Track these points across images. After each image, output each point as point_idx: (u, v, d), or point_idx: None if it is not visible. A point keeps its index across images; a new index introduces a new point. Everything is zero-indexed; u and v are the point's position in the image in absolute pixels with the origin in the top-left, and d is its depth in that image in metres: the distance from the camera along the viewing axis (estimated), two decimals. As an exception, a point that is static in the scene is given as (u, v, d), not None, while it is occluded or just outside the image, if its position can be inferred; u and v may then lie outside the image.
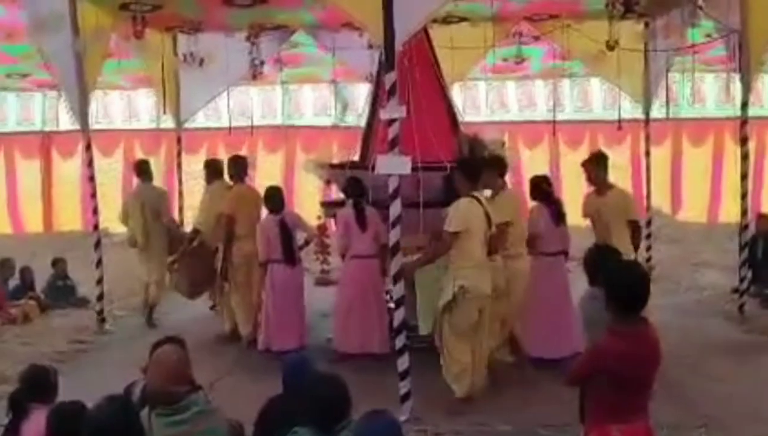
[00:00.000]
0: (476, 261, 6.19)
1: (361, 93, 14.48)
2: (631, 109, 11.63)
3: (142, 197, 9.36)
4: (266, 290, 7.84)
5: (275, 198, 7.94)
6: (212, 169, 9.06)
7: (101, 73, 9.33)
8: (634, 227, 7.17)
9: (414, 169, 6.02)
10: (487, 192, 6.91)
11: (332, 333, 7.88)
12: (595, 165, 7.40)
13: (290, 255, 7.78)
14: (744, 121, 8.85)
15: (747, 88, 8.69)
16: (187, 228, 10.03)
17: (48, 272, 10.65)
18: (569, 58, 11.38)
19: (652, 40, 9.90)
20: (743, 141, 8.94)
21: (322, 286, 9.71)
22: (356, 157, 8.51)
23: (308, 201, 13.34)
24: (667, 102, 10.14)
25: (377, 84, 8.25)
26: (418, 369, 6.14)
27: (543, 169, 16.24)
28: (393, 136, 5.93)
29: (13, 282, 10.34)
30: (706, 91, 15.70)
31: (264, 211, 8.16)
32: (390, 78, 5.89)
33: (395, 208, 5.94)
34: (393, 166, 5.91)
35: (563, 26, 9.97)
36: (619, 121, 10.48)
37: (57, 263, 10.70)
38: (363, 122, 8.82)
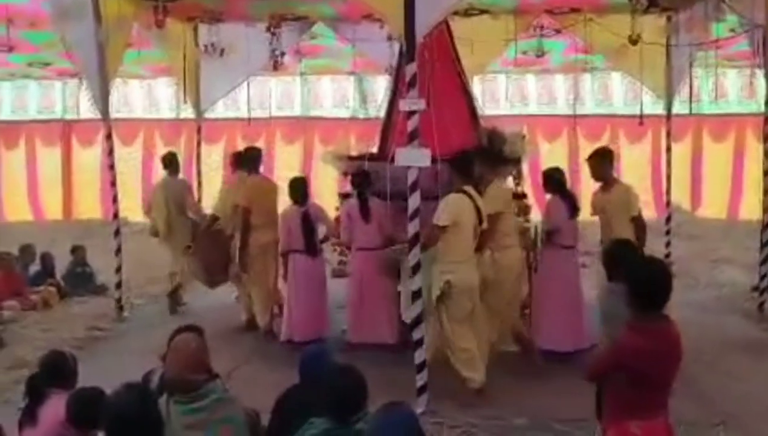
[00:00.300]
0: (464, 256, 6.23)
1: (380, 85, 14.48)
2: (651, 105, 11.55)
3: (167, 190, 9.48)
4: (288, 281, 7.89)
5: (300, 189, 7.96)
6: (237, 159, 9.11)
7: (122, 63, 9.37)
8: (638, 224, 7.01)
9: (433, 161, 6.01)
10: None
11: (346, 325, 7.91)
12: (600, 161, 7.27)
13: (311, 246, 7.79)
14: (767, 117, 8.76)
15: (771, 84, 8.58)
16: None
17: (67, 259, 10.74)
18: (590, 52, 11.30)
19: (675, 35, 9.80)
20: (766, 137, 8.85)
21: (339, 278, 9.73)
22: (375, 149, 8.50)
23: (326, 193, 13.33)
24: (690, 97, 10.02)
25: (397, 76, 8.24)
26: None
27: (562, 164, 16.24)
28: (413, 128, 5.91)
29: (34, 268, 10.43)
30: (728, 86, 15.56)
31: (282, 203, 8.19)
32: (410, 70, 5.87)
33: (414, 201, 5.92)
34: (412, 158, 5.90)
35: (585, 20, 9.89)
36: (641, 116, 10.40)
37: (76, 250, 10.78)
38: (382, 114, 8.81)
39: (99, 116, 9.09)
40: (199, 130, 11.81)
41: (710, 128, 16.05)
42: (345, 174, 9.14)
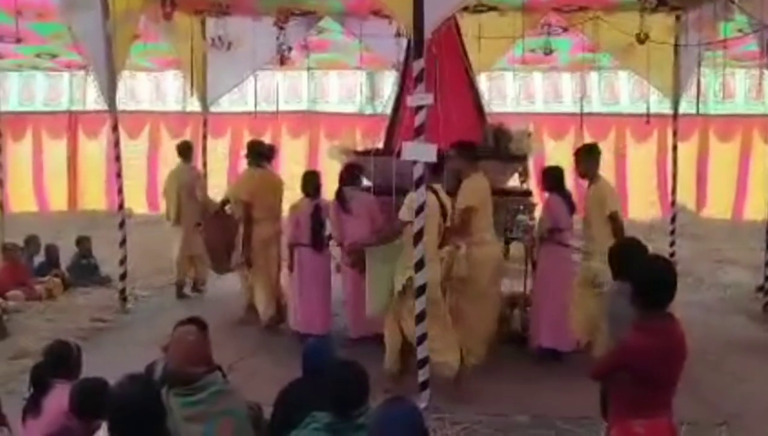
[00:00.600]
0: (427, 251, 6.18)
1: (387, 81, 14.48)
2: (658, 104, 11.51)
3: (179, 177, 9.85)
4: (293, 274, 7.91)
5: (312, 182, 7.96)
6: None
7: (129, 55, 9.39)
8: (615, 222, 6.76)
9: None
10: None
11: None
12: (584, 157, 7.10)
13: (318, 241, 7.80)
14: (774, 118, 8.74)
15: (779, 85, 8.57)
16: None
17: (72, 250, 10.76)
18: (598, 50, 11.27)
19: (684, 34, 9.76)
20: (773, 139, 8.82)
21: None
22: (381, 145, 8.50)
23: (332, 187, 13.34)
24: (698, 97, 9.98)
25: (404, 72, 8.24)
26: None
27: (568, 162, 16.22)
28: (419, 123, 5.91)
29: (39, 259, 10.46)
30: (736, 87, 15.52)
31: (290, 197, 8.21)
32: (418, 65, 5.87)
33: (420, 195, 5.93)
34: (419, 153, 5.90)
35: (593, 18, 9.87)
36: (648, 115, 10.37)
37: (81, 241, 10.80)
38: (388, 110, 8.81)
39: (105, 108, 9.10)
40: (205, 124, 11.82)
41: (717, 128, 16.02)
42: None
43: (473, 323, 6.79)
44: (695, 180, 15.85)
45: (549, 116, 15.99)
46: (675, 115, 10.80)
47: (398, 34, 9.54)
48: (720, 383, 6.67)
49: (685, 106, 10.84)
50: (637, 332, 3.60)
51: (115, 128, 9.09)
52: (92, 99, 16.05)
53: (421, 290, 5.96)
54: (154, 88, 17.28)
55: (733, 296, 10.03)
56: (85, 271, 10.51)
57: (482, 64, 10.26)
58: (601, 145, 16.40)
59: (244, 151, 8.93)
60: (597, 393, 4.40)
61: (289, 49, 10.52)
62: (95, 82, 9.15)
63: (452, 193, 6.68)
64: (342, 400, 3.55)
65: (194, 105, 12.12)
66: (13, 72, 16.65)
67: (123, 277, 9.19)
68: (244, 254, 8.40)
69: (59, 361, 4.57)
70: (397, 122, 8.24)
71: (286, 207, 8.46)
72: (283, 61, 10.65)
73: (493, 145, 7.96)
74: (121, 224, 9.11)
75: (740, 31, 9.31)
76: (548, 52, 11.34)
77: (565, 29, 10.65)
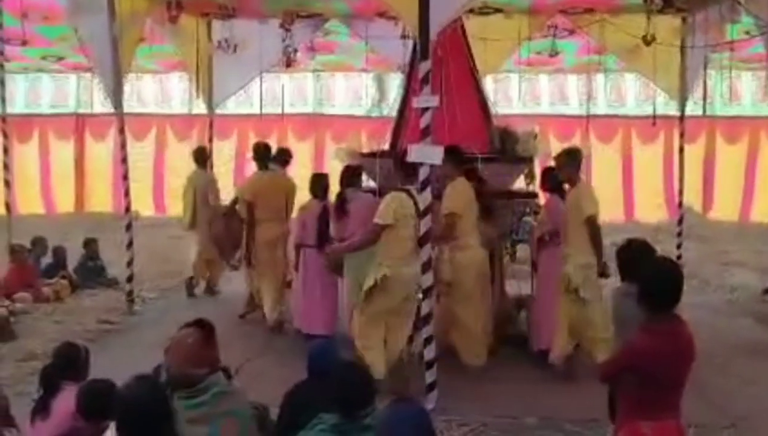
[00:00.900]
0: (403, 253, 6.27)
1: (394, 83, 14.47)
2: (664, 106, 11.50)
3: (195, 182, 10.08)
4: (299, 275, 7.93)
5: (320, 184, 8.01)
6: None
7: (135, 57, 9.41)
8: (591, 226, 6.64)
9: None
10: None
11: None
12: (565, 161, 6.98)
13: (324, 241, 7.81)
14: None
15: (786, 87, 8.55)
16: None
17: (78, 252, 10.79)
18: (604, 52, 11.26)
19: (690, 36, 9.75)
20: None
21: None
22: (387, 146, 8.50)
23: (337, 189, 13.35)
24: (704, 99, 9.97)
25: (410, 74, 8.24)
26: (443, 359, 6.15)
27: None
28: (425, 125, 5.91)
29: (46, 261, 10.48)
30: (742, 89, 15.49)
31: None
32: (424, 67, 5.87)
33: (426, 197, 5.93)
34: (425, 155, 5.90)
35: (599, 20, 9.86)
36: (654, 117, 10.35)
37: (88, 243, 10.83)
38: (394, 112, 8.81)
39: (112, 110, 9.12)
40: (211, 126, 11.84)
41: (723, 130, 15.99)
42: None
43: (466, 324, 6.86)
44: (702, 182, 15.82)
45: (555, 118, 15.98)
46: (681, 117, 10.79)
47: (404, 36, 9.55)
48: (727, 386, 6.64)
49: (692, 108, 10.83)
50: (643, 334, 3.59)
51: (121, 130, 9.14)
52: (99, 101, 16.08)
53: (427, 291, 5.97)
54: (159, 90, 17.32)
55: (740, 299, 10.00)
56: (92, 273, 10.53)
57: (488, 66, 10.25)
58: (608, 148, 16.50)
59: (249, 154, 9.00)
60: (604, 395, 4.40)
61: (295, 51, 10.56)
62: (101, 85, 9.18)
63: (439, 196, 6.72)
64: (348, 401, 3.55)
65: (200, 107, 12.17)
66: (20, 74, 16.69)
67: (130, 279, 9.21)
68: (245, 254, 8.55)
69: (68, 363, 4.58)
70: (403, 124, 8.24)
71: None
72: (288, 63, 10.68)
73: (499, 147, 7.96)
74: (128, 227, 9.13)
75: (747, 33, 9.30)
76: (554, 54, 11.35)
77: (571, 31, 10.65)
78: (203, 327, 4.55)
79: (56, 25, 10.63)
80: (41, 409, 4.42)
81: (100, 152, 17.15)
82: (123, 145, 9.19)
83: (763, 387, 6.68)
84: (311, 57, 12.24)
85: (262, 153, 8.78)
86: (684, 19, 9.92)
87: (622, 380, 3.73)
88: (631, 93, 16.17)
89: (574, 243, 6.70)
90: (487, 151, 7.68)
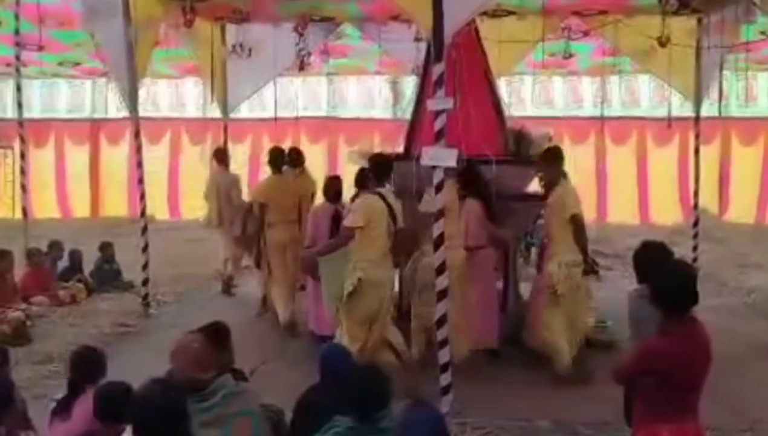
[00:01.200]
0: (376, 255, 6.34)
1: (408, 86, 14.48)
2: (679, 107, 11.44)
3: (218, 182, 10.29)
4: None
5: (332, 187, 8.05)
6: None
7: (151, 61, 9.47)
8: (575, 225, 6.67)
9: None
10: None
11: None
12: (547, 162, 6.98)
13: None
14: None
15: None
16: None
17: (94, 255, 10.85)
18: (618, 54, 11.22)
19: (705, 37, 9.70)
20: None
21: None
22: (401, 149, 8.50)
23: (351, 192, 13.37)
24: (720, 100, 9.91)
25: (424, 76, 8.23)
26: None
27: (589, 166, 16.18)
28: (439, 127, 5.90)
29: (62, 264, 10.54)
30: (758, 90, 15.39)
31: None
32: (438, 69, 5.87)
33: (439, 200, 5.93)
34: (439, 157, 5.90)
35: (613, 22, 9.82)
36: (669, 118, 10.31)
37: (104, 247, 10.90)
38: (408, 114, 8.81)
39: (127, 115, 9.18)
40: (225, 130, 11.88)
41: (739, 131, 15.89)
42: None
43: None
44: (717, 184, 15.72)
45: (569, 120, 15.94)
46: (697, 119, 10.73)
47: (417, 39, 9.56)
48: (744, 389, 6.58)
49: (707, 110, 10.77)
50: (659, 336, 3.58)
51: (137, 135, 9.18)
52: (114, 106, 16.19)
53: (443, 294, 5.96)
54: (174, 94, 17.41)
55: (757, 301, 9.91)
56: (108, 276, 10.59)
57: (502, 68, 10.26)
58: (622, 150, 16.40)
59: (265, 158, 9.11)
60: (618, 398, 4.37)
61: (309, 54, 10.58)
62: (117, 89, 9.25)
63: (419, 197, 6.82)
64: (365, 404, 3.55)
65: (214, 111, 12.23)
66: (36, 80, 16.83)
67: (145, 282, 9.25)
68: (256, 256, 8.74)
69: (90, 365, 4.59)
70: (417, 127, 8.24)
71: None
72: (302, 67, 10.71)
73: (513, 150, 7.94)
74: (144, 230, 9.18)
75: (762, 33, 9.26)
76: (568, 56, 11.32)
77: (585, 33, 10.61)
78: (216, 331, 4.59)
79: (72, 30, 10.72)
80: (62, 410, 4.45)
81: (115, 157, 17.27)
82: (138, 150, 9.24)
83: (781, 391, 6.62)
84: (325, 60, 12.26)
85: (274, 157, 8.88)
86: (699, 20, 9.89)
87: (639, 382, 3.71)
88: (645, 95, 16.11)
89: (558, 242, 6.75)
90: (502, 154, 7.67)
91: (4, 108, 14.80)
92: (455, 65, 6.62)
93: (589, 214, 15.66)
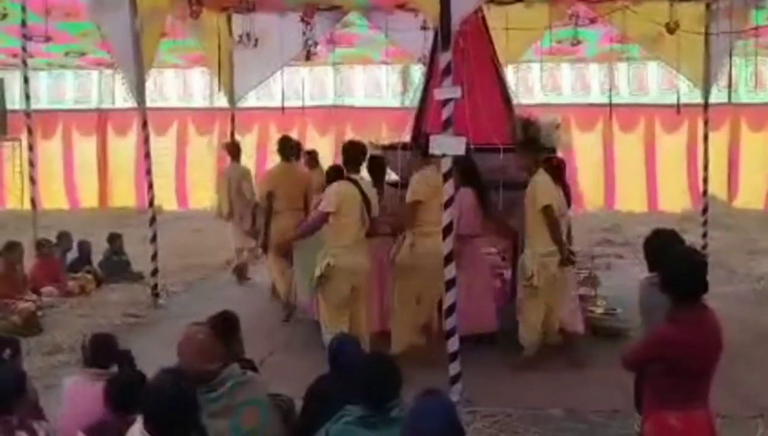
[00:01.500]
0: (349, 241, 6.43)
1: (416, 75, 14.45)
2: (688, 93, 11.39)
3: (229, 174, 10.49)
4: None
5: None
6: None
7: (158, 52, 9.46)
8: (546, 217, 6.63)
9: (467, 150, 6.03)
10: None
11: None
12: (522, 150, 6.92)
13: None
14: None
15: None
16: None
17: (103, 246, 10.88)
18: (626, 40, 11.16)
19: (714, 23, 9.64)
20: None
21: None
22: (408, 138, 8.48)
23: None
24: (729, 86, 9.85)
25: (431, 65, 8.21)
26: (467, 351, 6.15)
27: (596, 154, 16.14)
28: (447, 116, 5.89)
29: (71, 256, 10.58)
30: (767, 75, 15.30)
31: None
32: (445, 58, 5.85)
33: (448, 189, 5.92)
34: (447, 146, 5.88)
35: (621, 8, 9.76)
36: (678, 105, 10.26)
37: (113, 238, 10.92)
38: (415, 103, 8.79)
39: (134, 105, 9.19)
40: (232, 120, 11.88)
41: (748, 118, 15.83)
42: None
43: (423, 307, 6.90)
44: (727, 170, 15.67)
45: (577, 107, 15.88)
46: (706, 105, 10.67)
47: (424, 28, 9.52)
48: (754, 376, 6.56)
49: (716, 96, 10.71)
50: (668, 323, 3.58)
51: (144, 125, 9.19)
52: (121, 97, 16.22)
53: (451, 283, 5.96)
54: (181, 84, 17.41)
55: (767, 288, 9.89)
56: (116, 267, 10.63)
57: (509, 56, 10.21)
58: (630, 137, 16.34)
59: (273, 147, 9.22)
60: (627, 386, 4.37)
61: (315, 44, 10.55)
62: (124, 80, 9.26)
63: (405, 185, 6.96)
64: (376, 393, 3.55)
65: (221, 101, 12.23)
66: (43, 71, 16.85)
67: (154, 273, 9.29)
68: (263, 241, 8.85)
69: (107, 352, 4.62)
70: (424, 116, 8.22)
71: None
72: (309, 56, 10.68)
73: (521, 138, 7.90)
74: (152, 221, 9.20)
75: (772, 18, 9.19)
76: (576, 43, 11.26)
77: (593, 20, 10.56)
78: (226, 320, 4.60)
79: (79, 21, 10.71)
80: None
81: (123, 147, 17.31)
82: (146, 140, 9.25)
83: (791, 378, 6.60)
84: (331, 50, 12.23)
85: (282, 145, 8.98)
86: (708, 6, 9.81)
87: (649, 369, 3.71)
88: (653, 81, 16.05)
89: (532, 233, 6.75)
90: (509, 142, 7.64)
91: (12, 100, 14.81)
92: (462, 54, 6.59)
93: (597, 202, 15.89)
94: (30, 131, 10.17)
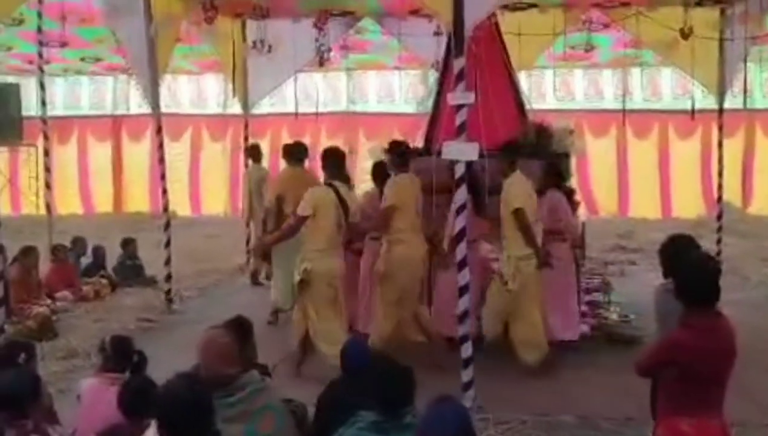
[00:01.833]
0: (325, 245, 6.52)
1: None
2: (702, 99, 11.35)
3: (250, 176, 10.79)
4: None
5: (380, 173, 8.03)
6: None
7: (172, 57, 9.52)
8: (518, 220, 6.60)
9: (480, 155, 6.02)
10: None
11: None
12: (501, 156, 6.88)
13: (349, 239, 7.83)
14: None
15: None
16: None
17: (117, 251, 10.94)
18: (640, 46, 11.13)
19: (729, 29, 9.60)
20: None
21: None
22: (421, 144, 8.49)
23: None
24: (744, 92, 9.80)
25: (444, 71, 8.22)
26: (479, 358, 6.14)
27: (610, 160, 16.08)
28: (460, 122, 5.89)
29: (86, 260, 10.64)
30: (783, 82, 15.22)
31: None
32: (459, 63, 5.85)
33: (461, 195, 5.92)
34: (460, 152, 5.88)
35: (635, 14, 9.74)
36: (693, 111, 10.22)
37: (127, 243, 10.98)
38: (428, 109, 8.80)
39: (148, 111, 9.24)
40: (246, 126, 11.93)
41: (763, 123, 15.73)
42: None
43: (398, 313, 6.87)
44: (741, 177, 15.57)
45: (590, 113, 15.84)
46: (720, 111, 10.62)
47: (437, 33, 9.53)
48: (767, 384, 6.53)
49: (730, 102, 10.66)
50: (682, 329, 3.57)
51: (159, 131, 9.24)
52: (135, 102, 16.31)
53: (464, 289, 5.95)
54: (195, 90, 17.49)
55: (782, 295, 9.83)
56: (131, 272, 10.68)
57: (522, 61, 10.20)
58: (644, 142, 16.28)
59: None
60: (642, 393, 4.34)
61: (329, 50, 10.59)
62: (138, 86, 9.32)
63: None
64: (390, 399, 3.55)
65: (235, 107, 12.27)
66: (59, 77, 16.96)
67: (168, 278, 9.33)
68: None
69: (123, 355, 4.64)
70: (437, 121, 8.23)
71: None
72: (322, 62, 10.72)
73: (534, 143, 7.90)
74: (166, 226, 9.24)
75: (788, 24, 9.14)
76: (589, 48, 11.25)
77: (607, 25, 10.54)
78: (240, 325, 4.60)
79: (94, 27, 10.80)
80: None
81: (137, 153, 17.40)
82: (160, 146, 9.31)
83: (806, 385, 6.54)
84: (344, 56, 12.27)
85: (289, 151, 8.90)
86: (722, 11, 9.79)
87: (662, 375, 3.69)
88: (667, 87, 15.97)
89: (508, 236, 6.74)
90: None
91: (28, 106, 14.94)
92: (476, 59, 6.60)
93: (610, 209, 15.83)
94: (46, 137, 10.26)
